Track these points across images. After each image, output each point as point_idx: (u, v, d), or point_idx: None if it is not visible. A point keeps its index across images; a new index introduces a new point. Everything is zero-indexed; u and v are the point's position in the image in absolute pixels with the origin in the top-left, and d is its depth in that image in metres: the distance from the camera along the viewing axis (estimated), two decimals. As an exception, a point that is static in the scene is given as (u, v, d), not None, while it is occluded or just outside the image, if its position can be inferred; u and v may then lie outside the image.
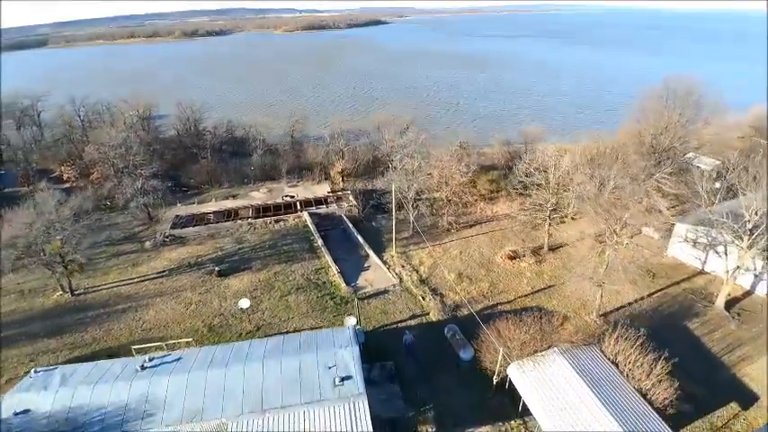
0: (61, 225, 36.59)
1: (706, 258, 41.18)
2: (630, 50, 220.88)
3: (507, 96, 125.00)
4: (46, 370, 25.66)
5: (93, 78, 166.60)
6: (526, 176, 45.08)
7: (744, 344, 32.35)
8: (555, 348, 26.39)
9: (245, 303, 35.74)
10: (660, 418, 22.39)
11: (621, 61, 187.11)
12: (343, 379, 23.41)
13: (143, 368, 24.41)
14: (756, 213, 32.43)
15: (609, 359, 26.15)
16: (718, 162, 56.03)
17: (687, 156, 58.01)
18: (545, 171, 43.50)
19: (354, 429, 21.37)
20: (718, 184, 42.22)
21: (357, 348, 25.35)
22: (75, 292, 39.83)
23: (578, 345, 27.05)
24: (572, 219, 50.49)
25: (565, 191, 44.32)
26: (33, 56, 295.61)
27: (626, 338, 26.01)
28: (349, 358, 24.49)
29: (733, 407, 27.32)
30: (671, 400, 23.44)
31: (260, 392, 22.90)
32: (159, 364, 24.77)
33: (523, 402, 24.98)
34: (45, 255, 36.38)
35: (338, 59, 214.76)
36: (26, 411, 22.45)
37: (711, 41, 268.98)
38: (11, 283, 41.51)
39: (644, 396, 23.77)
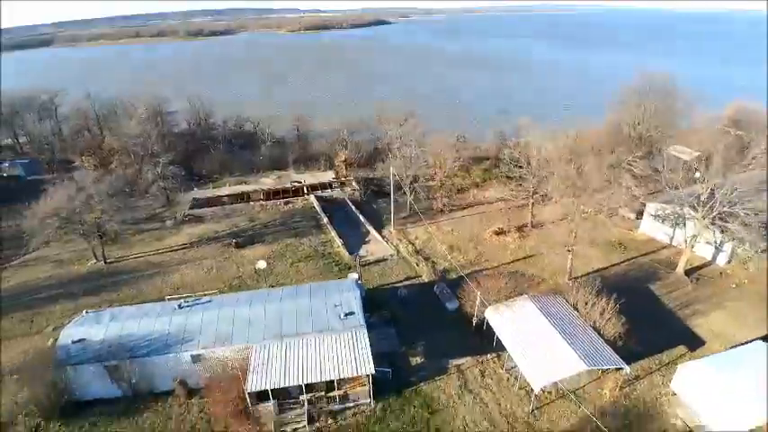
0: (99, 198, 41.52)
1: (673, 234, 45.78)
2: (645, 52, 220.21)
3: (508, 95, 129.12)
4: (96, 312, 30.57)
5: (105, 76, 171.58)
6: (511, 161, 49.90)
7: (698, 302, 36.92)
8: (525, 295, 31.26)
9: (261, 264, 40.73)
10: (608, 347, 27.16)
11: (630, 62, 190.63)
12: (347, 314, 28.28)
13: (180, 307, 29.35)
14: (708, 188, 37.12)
15: (570, 304, 30.93)
16: (698, 153, 60.50)
17: (671, 147, 62.49)
18: (528, 155, 48.31)
19: (356, 351, 26.19)
20: (698, 174, 46.58)
21: (359, 292, 30.27)
22: (108, 261, 44.80)
23: (546, 293, 31.85)
24: (555, 202, 55.18)
25: (545, 175, 49.01)
26: (40, 55, 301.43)
27: (585, 287, 30.78)
28: (352, 299, 29.38)
29: (681, 349, 31.90)
30: (619, 333, 28.16)
31: (279, 323, 27.79)
32: (193, 305, 29.70)
33: (497, 339, 29.75)
34: (83, 225, 41.29)
35: (342, 60, 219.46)
36: (82, 340, 27.32)
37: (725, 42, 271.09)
38: (49, 254, 46.59)
39: (597, 331, 28.52)
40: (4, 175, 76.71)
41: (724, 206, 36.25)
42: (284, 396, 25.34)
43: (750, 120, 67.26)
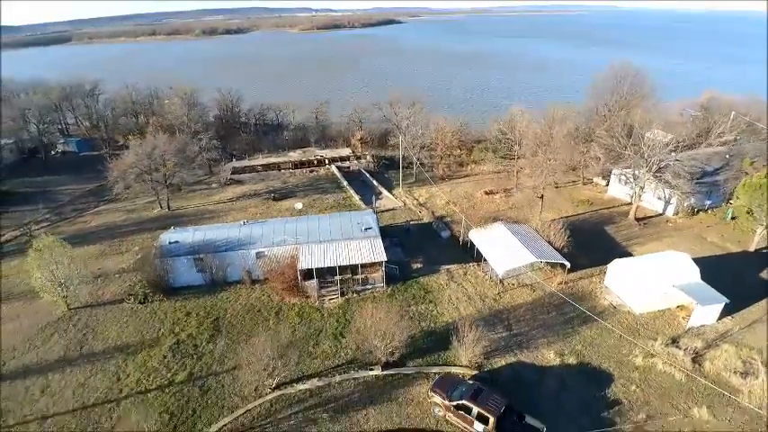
0: (168, 156, 52.50)
1: (633, 194, 55.63)
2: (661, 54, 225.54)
3: (514, 91, 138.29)
4: (182, 228, 41.42)
5: (132, 70, 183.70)
6: (499, 135, 60.14)
7: (640, 237, 46.70)
8: (499, 221, 41.58)
9: (299, 205, 51.55)
10: (555, 250, 37.46)
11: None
12: (366, 229, 38.81)
13: (244, 224, 40.13)
14: (651, 148, 47.11)
15: (534, 228, 41.25)
16: (671, 136, 70.11)
17: (649, 131, 72.07)
18: (513, 129, 58.50)
19: (373, 253, 36.67)
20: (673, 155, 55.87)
21: (375, 217, 40.80)
22: (171, 209, 55.76)
23: (515, 221, 42.18)
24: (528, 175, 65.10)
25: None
26: (61, 51, 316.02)
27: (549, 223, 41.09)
28: (370, 220, 39.99)
29: (618, 264, 41.89)
30: (566, 244, 38.40)
31: (317, 233, 38.42)
32: (254, 223, 40.48)
33: (477, 252, 40.06)
34: (157, 174, 52.32)
35: (355, 58, 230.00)
36: (176, 242, 38.16)
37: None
38: (120, 207, 57.73)
39: (550, 243, 38.79)
40: (60, 150, 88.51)
41: (661, 161, 46.22)
42: (323, 277, 35.89)
43: (719, 106, 76.93)
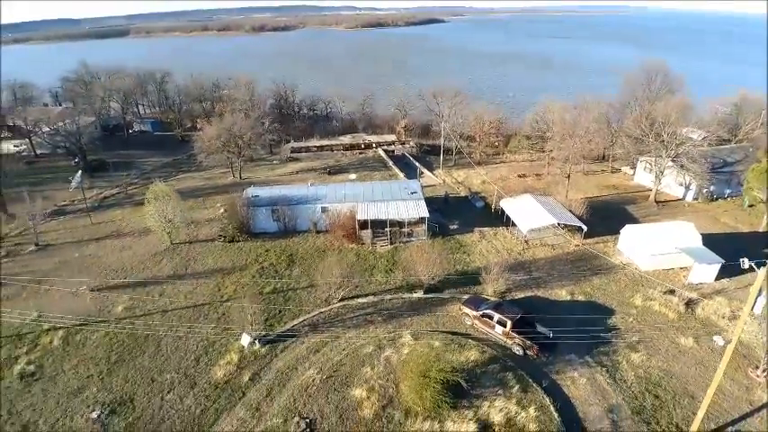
0: (245, 130, 61.42)
1: (656, 180, 60.48)
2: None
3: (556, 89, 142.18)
4: (260, 188, 49.83)
5: (191, 62, 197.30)
6: (534, 122, 66.03)
7: (657, 216, 51.90)
8: (528, 193, 47.93)
9: (353, 176, 59.26)
10: (575, 216, 43.54)
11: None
12: (411, 192, 46.05)
13: (311, 185, 48.12)
14: (669, 134, 52.16)
15: (558, 200, 47.38)
16: (707, 134, 73.84)
17: (685, 129, 75.91)
18: (546, 121, 64.29)
19: (417, 211, 43.85)
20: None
21: (419, 184, 47.98)
22: (242, 178, 64.64)
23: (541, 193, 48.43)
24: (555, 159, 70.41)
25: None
26: (120, 43, 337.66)
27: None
28: (416, 186, 47.43)
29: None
30: (585, 214, 44.40)
31: (371, 194, 46.04)
32: (319, 185, 48.41)
33: (507, 218, 46.55)
34: (230, 148, 61.24)
35: (399, 55, 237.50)
36: (257, 196, 46.53)
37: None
38: (197, 176, 67.09)
39: (570, 210, 44.89)
40: (138, 129, 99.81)
41: (678, 146, 51.32)
42: (376, 228, 43.38)
43: (748, 105, 79.89)
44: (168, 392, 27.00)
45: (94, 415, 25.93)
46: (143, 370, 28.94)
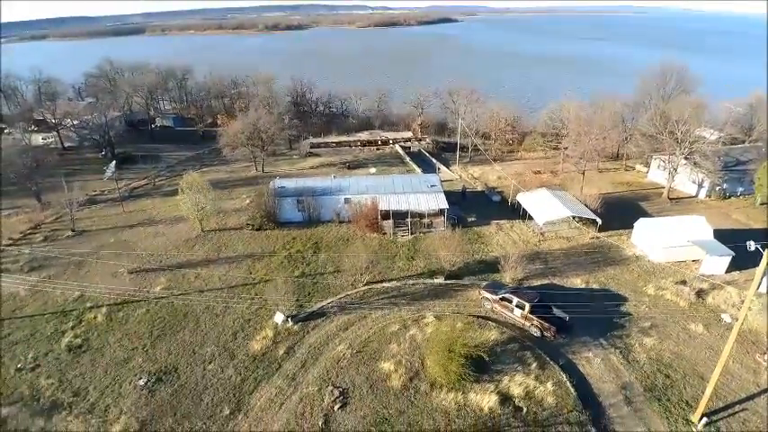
0: (268, 125, 63.58)
1: (668, 175, 61.64)
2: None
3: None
4: (285, 179, 51.91)
5: (209, 59, 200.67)
6: (549, 119, 67.42)
7: (671, 210, 53.09)
8: (543, 187, 49.48)
9: (373, 170, 61.12)
10: (588, 209, 45.02)
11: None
12: (431, 186, 47.83)
13: (334, 177, 50.12)
14: (682, 132, 53.36)
15: (572, 195, 48.89)
16: (721, 134, 74.72)
17: (699, 128, 76.73)
18: (561, 119, 65.67)
19: (437, 202, 45.62)
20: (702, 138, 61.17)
21: (439, 178, 49.71)
22: (265, 171, 66.84)
23: (557, 187, 49.95)
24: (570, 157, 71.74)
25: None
26: (139, 40, 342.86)
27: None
28: (435, 179, 49.16)
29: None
30: (599, 208, 45.85)
31: (392, 186, 47.87)
32: (341, 177, 50.37)
33: (523, 211, 48.15)
34: (254, 142, 63.42)
35: (414, 54, 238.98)
36: (283, 187, 48.60)
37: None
38: (222, 169, 69.40)
39: (585, 204, 46.37)
40: (160, 124, 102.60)
41: (692, 143, 52.52)
42: (397, 219, 45.24)
43: (763, 105, 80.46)
44: (209, 363, 29.12)
45: (141, 382, 28.06)
46: (184, 343, 31.09)
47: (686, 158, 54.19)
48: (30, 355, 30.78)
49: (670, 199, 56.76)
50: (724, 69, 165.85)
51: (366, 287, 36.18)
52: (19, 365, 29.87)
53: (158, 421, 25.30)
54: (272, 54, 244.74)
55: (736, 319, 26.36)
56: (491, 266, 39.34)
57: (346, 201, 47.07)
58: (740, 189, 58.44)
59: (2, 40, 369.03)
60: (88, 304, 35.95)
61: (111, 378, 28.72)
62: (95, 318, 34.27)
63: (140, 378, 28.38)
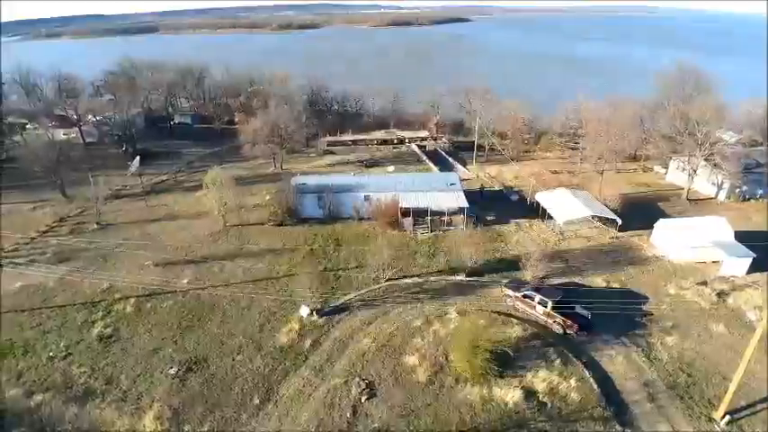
0: (288, 122, 64.36)
1: (688, 177, 61.38)
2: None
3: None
4: (305, 175, 52.62)
5: (224, 58, 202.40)
6: (566, 123, 67.42)
7: (690, 211, 52.92)
8: (562, 187, 49.65)
9: (391, 168, 61.66)
10: (608, 209, 45.16)
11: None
12: (451, 184, 48.23)
13: (354, 174, 50.68)
14: (703, 134, 53.19)
15: (591, 194, 49.02)
16: (740, 136, 74.12)
17: (719, 131, 75.99)
18: (578, 120, 65.62)
19: (457, 201, 46.01)
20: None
21: (458, 176, 50.12)
22: (283, 169, 67.65)
23: (575, 187, 50.12)
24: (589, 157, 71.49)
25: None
26: (152, 39, 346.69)
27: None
28: (455, 177, 49.67)
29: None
30: (618, 209, 45.94)
31: (412, 184, 48.38)
32: (361, 174, 50.96)
33: (542, 210, 48.36)
34: (273, 139, 64.23)
35: (427, 54, 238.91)
36: (304, 183, 49.32)
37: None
38: (241, 166, 70.32)
39: (605, 204, 46.49)
40: (177, 121, 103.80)
41: (713, 146, 52.36)
42: (417, 216, 45.74)
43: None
44: (238, 354, 29.85)
45: (172, 371, 28.84)
46: (212, 335, 31.87)
47: (706, 160, 53.97)
48: (61, 344, 31.70)
49: (689, 200, 56.59)
50: (738, 71, 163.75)
51: (388, 283, 36.72)
52: (51, 354, 30.78)
53: (190, 409, 26.02)
54: (285, 54, 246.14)
55: (761, 319, 26.46)
56: (511, 264, 39.68)
57: (366, 198, 47.63)
58: (760, 192, 58.05)
59: (15, 37, 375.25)
60: (117, 295, 36.86)
61: (141, 367, 29.52)
62: (124, 308, 35.17)
63: (171, 367, 29.16)
